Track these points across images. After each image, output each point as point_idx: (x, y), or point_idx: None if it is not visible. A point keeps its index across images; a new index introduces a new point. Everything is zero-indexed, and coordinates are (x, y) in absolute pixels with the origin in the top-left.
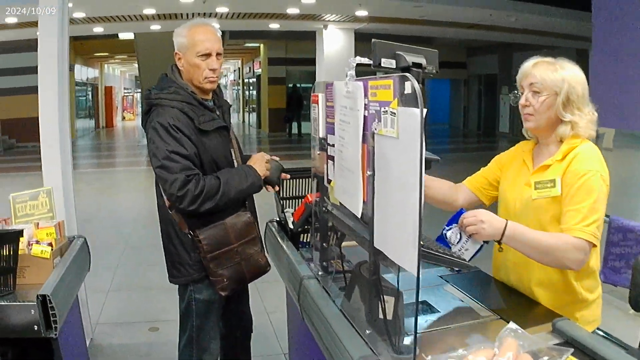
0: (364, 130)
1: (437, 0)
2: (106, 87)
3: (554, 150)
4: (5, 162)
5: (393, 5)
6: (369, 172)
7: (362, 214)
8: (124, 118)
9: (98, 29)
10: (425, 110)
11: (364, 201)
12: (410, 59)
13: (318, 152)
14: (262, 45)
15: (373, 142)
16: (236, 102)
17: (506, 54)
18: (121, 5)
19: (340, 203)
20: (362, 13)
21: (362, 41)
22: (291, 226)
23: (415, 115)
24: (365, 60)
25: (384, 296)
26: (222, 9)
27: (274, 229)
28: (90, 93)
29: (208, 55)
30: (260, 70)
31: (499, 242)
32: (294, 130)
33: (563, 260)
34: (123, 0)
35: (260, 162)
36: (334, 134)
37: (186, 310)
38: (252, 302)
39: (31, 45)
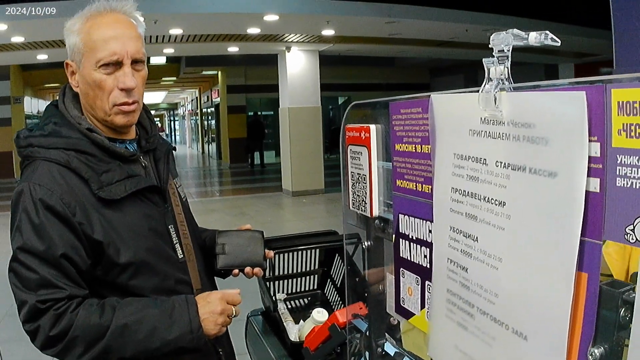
0: (584, 233)
1: (411, 14)
2: None
3: None
4: None
5: (365, 20)
6: (595, 352)
7: None
8: None
9: (42, 56)
10: None
11: None
12: None
13: (365, 244)
14: (220, 73)
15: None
16: (195, 132)
17: (471, 73)
18: (59, 30)
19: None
20: (328, 32)
21: (327, 65)
22: (294, 339)
23: None
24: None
25: None
26: (176, 31)
27: (258, 330)
28: None
29: (116, 64)
30: (218, 99)
31: None
32: (257, 160)
33: None
34: (59, 25)
35: (214, 304)
36: (420, 217)
37: None
38: None
39: None
